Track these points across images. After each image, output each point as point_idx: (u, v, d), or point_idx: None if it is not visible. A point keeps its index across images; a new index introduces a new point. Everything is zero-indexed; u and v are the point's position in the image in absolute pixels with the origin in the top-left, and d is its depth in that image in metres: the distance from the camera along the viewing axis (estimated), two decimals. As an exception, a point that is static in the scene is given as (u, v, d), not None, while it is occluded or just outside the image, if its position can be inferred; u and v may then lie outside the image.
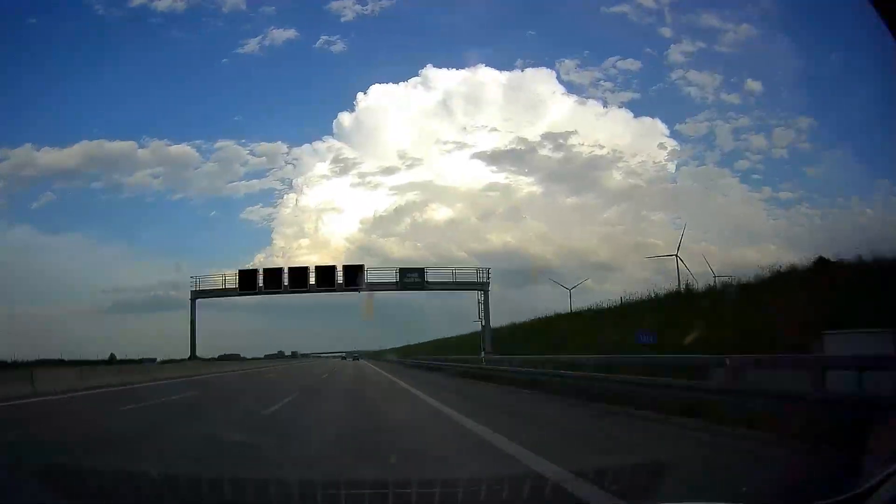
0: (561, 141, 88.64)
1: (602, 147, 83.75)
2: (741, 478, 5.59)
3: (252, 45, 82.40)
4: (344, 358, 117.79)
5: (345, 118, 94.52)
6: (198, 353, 48.78)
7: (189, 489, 4.92)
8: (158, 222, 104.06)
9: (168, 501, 4.74)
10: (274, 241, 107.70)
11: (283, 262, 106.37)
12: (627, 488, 4.82)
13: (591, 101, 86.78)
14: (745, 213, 72.25)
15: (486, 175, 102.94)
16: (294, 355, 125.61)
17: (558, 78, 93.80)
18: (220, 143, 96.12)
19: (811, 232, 64.66)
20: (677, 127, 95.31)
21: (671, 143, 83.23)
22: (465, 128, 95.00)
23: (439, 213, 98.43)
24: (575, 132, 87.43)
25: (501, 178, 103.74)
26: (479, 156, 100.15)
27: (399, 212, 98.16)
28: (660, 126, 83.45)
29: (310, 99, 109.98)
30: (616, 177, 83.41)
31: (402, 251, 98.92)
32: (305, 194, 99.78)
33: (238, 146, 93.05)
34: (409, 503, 4.52)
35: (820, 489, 3.16)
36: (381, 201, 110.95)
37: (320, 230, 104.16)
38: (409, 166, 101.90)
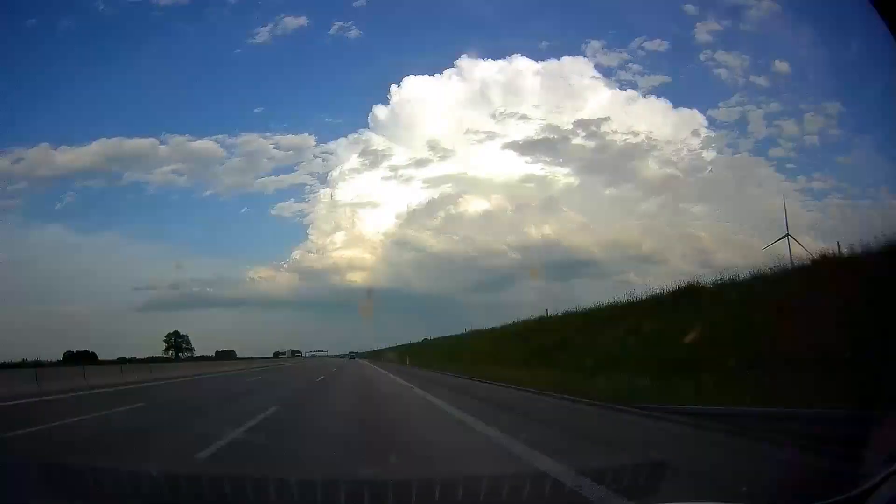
0: (594, 129, 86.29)
1: (636, 134, 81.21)
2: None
3: (264, 34, 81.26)
4: (352, 357, 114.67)
5: (380, 111, 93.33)
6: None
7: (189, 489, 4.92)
8: (187, 219, 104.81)
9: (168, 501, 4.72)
10: (310, 237, 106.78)
11: (319, 259, 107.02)
12: (626, 487, 4.83)
13: (622, 87, 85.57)
14: (780, 205, 71.05)
15: (521, 166, 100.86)
16: (294, 354, 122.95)
17: (595, 66, 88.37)
18: (243, 137, 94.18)
19: (843, 223, 63.93)
20: (710, 112, 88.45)
21: (704, 130, 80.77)
22: (494, 115, 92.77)
23: (474, 205, 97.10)
24: (608, 119, 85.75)
25: (537, 168, 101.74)
26: (511, 146, 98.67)
27: (433, 205, 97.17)
28: (692, 112, 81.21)
29: (337, 90, 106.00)
30: (652, 166, 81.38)
31: (438, 244, 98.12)
32: (339, 188, 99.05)
33: (262, 139, 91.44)
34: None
35: (820, 489, 3.16)
36: (416, 194, 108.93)
37: (356, 225, 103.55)
38: (442, 158, 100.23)
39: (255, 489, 4.80)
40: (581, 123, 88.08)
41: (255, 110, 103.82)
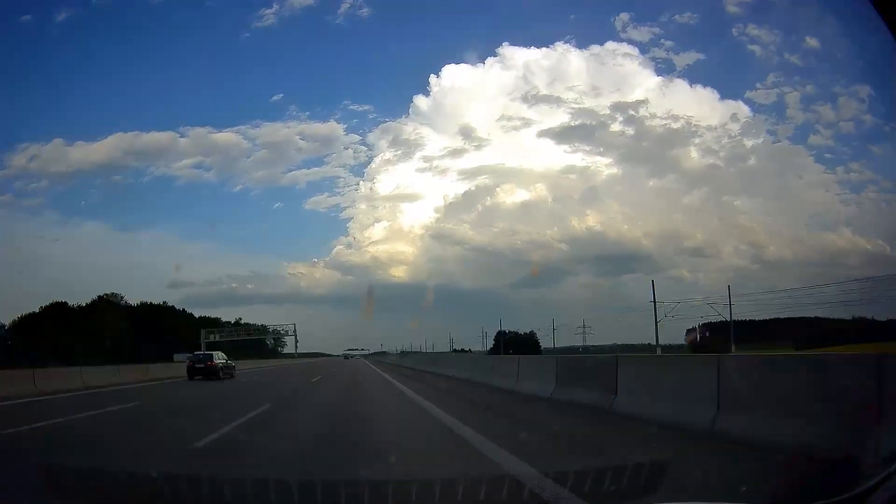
0: (632, 112, 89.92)
1: (676, 118, 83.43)
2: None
3: (269, 16, 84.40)
4: (346, 357, 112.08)
5: (421, 101, 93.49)
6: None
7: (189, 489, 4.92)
8: (219, 215, 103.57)
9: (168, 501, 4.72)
10: (350, 231, 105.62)
11: (358, 254, 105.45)
12: (627, 487, 4.83)
13: (656, 67, 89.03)
14: (821, 197, 69.81)
15: (561, 156, 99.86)
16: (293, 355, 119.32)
17: (641, 51, 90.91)
18: (265, 128, 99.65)
19: (880, 216, 62.24)
20: (747, 94, 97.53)
21: (744, 113, 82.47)
22: (526, 98, 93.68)
23: (515, 196, 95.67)
24: (645, 101, 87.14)
25: (577, 159, 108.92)
26: (547, 133, 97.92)
27: (471, 197, 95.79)
28: (729, 93, 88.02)
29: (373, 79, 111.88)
30: (693, 155, 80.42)
31: (477, 237, 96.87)
32: (377, 181, 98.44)
33: (287, 128, 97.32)
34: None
35: (820, 489, 3.16)
36: (453, 186, 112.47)
37: (397, 218, 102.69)
38: (478, 147, 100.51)
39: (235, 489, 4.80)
40: (618, 107, 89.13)
41: (273, 98, 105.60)
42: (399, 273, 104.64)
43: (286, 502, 4.64)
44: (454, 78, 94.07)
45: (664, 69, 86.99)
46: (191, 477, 5.33)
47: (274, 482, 4.94)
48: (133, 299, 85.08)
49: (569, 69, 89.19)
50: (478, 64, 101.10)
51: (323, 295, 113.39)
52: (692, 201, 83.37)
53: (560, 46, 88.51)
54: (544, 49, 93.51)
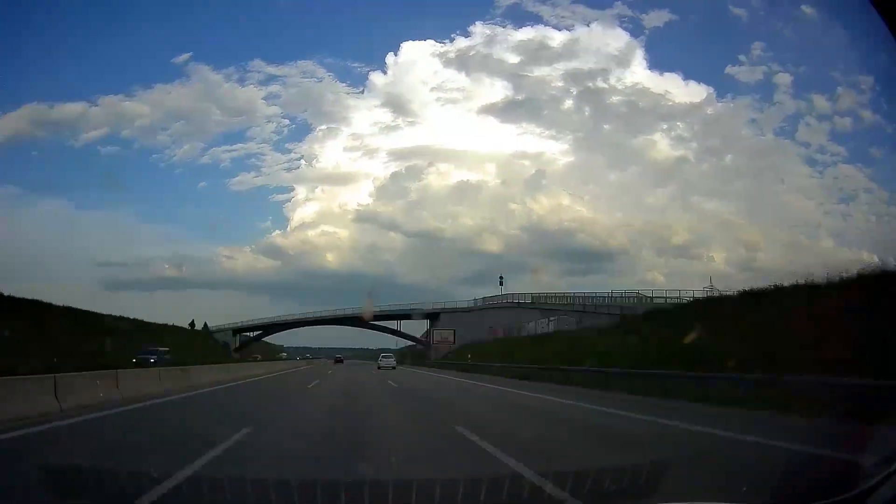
0: (589, 84, 79.62)
1: (642, 93, 69.94)
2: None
3: None
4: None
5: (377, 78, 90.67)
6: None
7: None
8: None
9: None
10: (286, 214, 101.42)
11: (293, 241, 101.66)
12: (627, 486, 4.83)
13: (615, 29, 74.17)
14: (806, 204, 61.64)
15: (509, 139, 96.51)
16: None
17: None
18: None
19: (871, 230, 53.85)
20: (729, 70, 75.71)
21: (724, 97, 68.50)
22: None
23: (472, 185, 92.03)
24: (605, 70, 78.11)
25: (527, 142, 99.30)
26: (489, 109, 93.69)
27: (400, 178, 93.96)
28: (707, 68, 73.12)
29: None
30: (662, 144, 71.67)
31: (414, 224, 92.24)
32: (313, 165, 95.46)
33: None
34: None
35: (820, 489, 3.16)
36: (387, 167, 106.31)
37: (331, 200, 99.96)
38: (411, 123, 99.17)
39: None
40: (573, 76, 78.39)
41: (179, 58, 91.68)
42: (332, 261, 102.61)
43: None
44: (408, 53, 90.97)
45: (626, 33, 79.39)
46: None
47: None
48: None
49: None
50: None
51: (256, 282, 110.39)
52: (656, 202, 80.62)
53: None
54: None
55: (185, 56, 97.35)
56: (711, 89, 76.48)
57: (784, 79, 64.35)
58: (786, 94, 65.47)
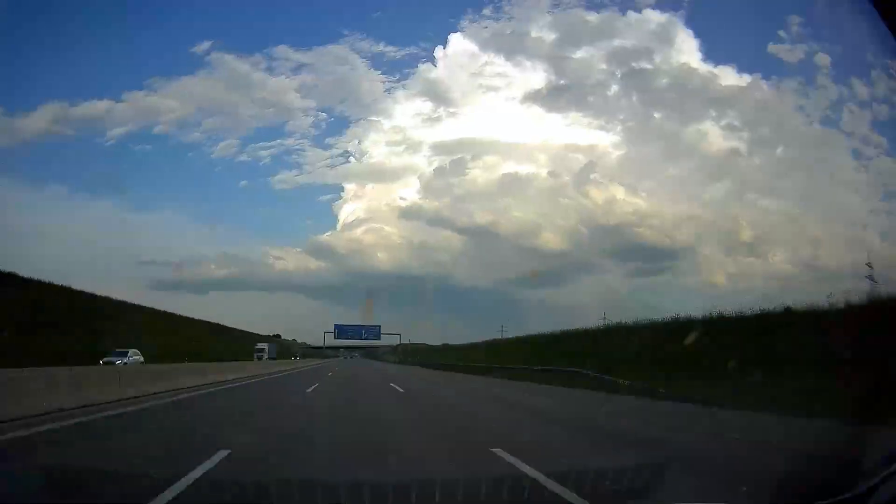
0: (633, 65, 74.02)
1: (688, 75, 64.12)
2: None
3: None
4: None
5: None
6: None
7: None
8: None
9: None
10: (336, 213, 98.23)
11: (342, 240, 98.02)
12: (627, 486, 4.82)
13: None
14: (855, 199, 52.54)
15: (556, 129, 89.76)
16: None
17: None
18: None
19: None
20: (771, 48, 65.87)
21: (770, 79, 62.90)
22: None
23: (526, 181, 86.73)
24: (648, 50, 71.59)
25: (576, 133, 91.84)
26: (533, 97, 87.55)
27: (446, 172, 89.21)
28: (751, 47, 65.66)
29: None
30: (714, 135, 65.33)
31: (462, 219, 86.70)
32: (356, 160, 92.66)
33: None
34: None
35: (820, 489, 3.16)
36: (435, 161, 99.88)
37: (377, 198, 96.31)
38: (453, 115, 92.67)
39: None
40: (617, 56, 70.72)
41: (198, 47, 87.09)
42: (383, 261, 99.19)
43: None
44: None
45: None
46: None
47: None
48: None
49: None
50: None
51: (306, 283, 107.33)
52: (713, 196, 71.77)
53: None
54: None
55: (205, 45, 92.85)
56: (758, 72, 71.20)
57: (824, 60, 56.00)
58: (826, 76, 58.07)
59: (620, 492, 4.81)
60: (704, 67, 68.65)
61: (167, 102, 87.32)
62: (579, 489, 4.73)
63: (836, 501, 2.86)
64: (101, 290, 46.15)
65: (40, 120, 77.35)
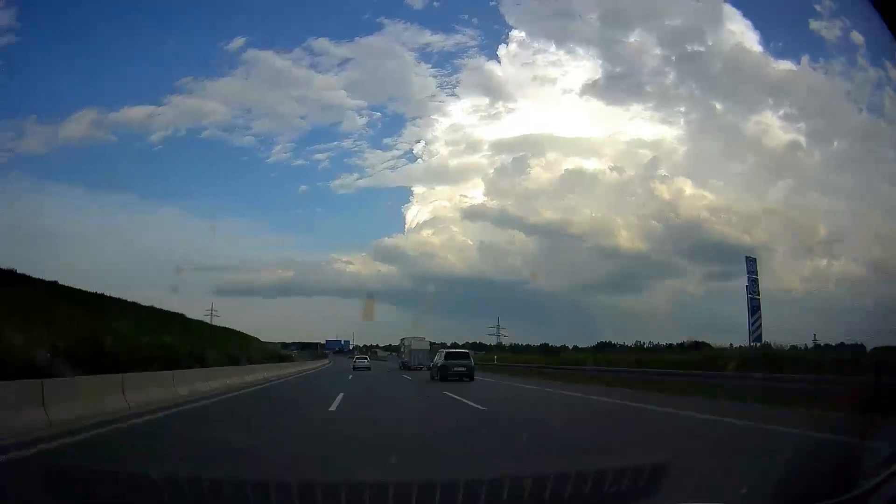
0: (686, 47, 66.70)
1: (741, 56, 57.76)
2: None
3: None
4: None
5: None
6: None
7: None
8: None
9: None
10: (405, 216, 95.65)
11: (409, 244, 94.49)
12: (627, 487, 4.82)
13: None
14: None
15: (618, 123, 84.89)
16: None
17: None
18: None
19: None
20: (813, 25, 56.88)
21: (817, 62, 56.96)
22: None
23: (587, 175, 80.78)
24: (699, 31, 65.48)
25: (638, 126, 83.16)
26: (591, 89, 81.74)
27: (509, 170, 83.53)
28: (792, 23, 57.61)
29: None
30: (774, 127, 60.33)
31: (530, 218, 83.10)
32: (418, 161, 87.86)
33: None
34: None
35: (821, 489, 3.16)
36: (492, 159, 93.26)
37: (441, 200, 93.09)
38: (511, 110, 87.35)
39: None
40: (670, 37, 63.87)
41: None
42: (454, 264, 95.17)
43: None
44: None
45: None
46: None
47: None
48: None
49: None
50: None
51: (375, 288, 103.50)
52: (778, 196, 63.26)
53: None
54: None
55: (237, 41, 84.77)
56: (805, 53, 64.24)
57: (858, 38, 51.06)
58: (864, 57, 52.02)
59: (621, 491, 4.80)
60: (756, 49, 63.50)
61: (209, 105, 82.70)
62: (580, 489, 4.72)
63: (837, 502, 2.86)
64: (166, 300, 45.68)
65: (86, 126, 75.69)
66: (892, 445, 3.97)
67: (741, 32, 62.98)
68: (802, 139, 61.71)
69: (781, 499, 4.60)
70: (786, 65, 63.33)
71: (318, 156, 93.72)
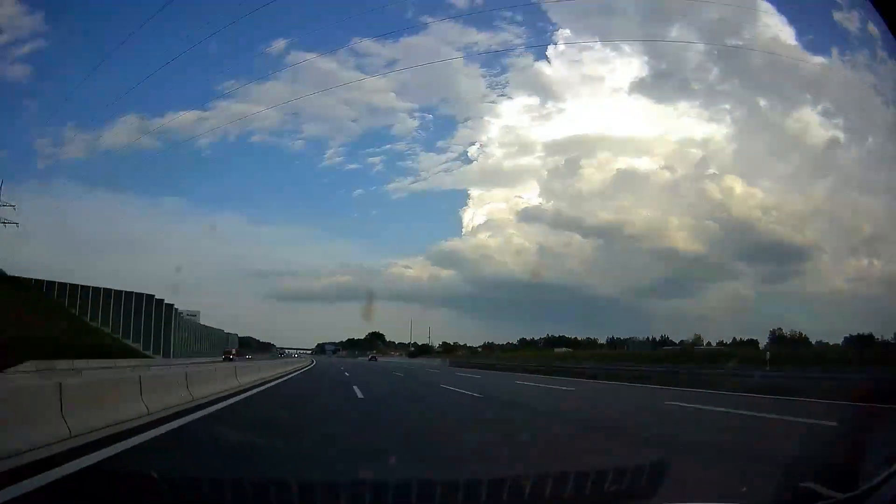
0: (727, 41, 65.53)
1: (776, 49, 56.66)
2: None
3: None
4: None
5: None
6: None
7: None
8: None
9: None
10: (462, 219, 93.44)
11: (467, 248, 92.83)
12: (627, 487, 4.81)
13: None
14: None
15: (666, 121, 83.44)
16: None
17: None
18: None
19: None
20: (836, 16, 56.16)
21: (844, 55, 55.81)
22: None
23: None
24: (736, 24, 65.75)
25: (686, 125, 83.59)
26: (638, 87, 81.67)
27: (562, 171, 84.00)
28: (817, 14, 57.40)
29: None
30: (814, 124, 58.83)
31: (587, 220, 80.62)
32: (472, 164, 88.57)
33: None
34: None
35: (821, 489, 3.15)
36: (545, 160, 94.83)
37: (497, 202, 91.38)
38: (560, 111, 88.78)
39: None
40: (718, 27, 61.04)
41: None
42: (513, 268, 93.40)
43: None
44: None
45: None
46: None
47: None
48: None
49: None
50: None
51: (433, 293, 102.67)
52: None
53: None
54: None
55: (279, 43, 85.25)
56: (834, 45, 63.38)
57: (874, 30, 49.74)
58: (883, 49, 51.16)
59: (621, 491, 4.80)
60: (791, 42, 63.28)
61: (256, 109, 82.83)
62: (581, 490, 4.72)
63: (837, 502, 2.86)
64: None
65: (131, 132, 76.84)
66: (892, 445, 3.97)
67: (775, 25, 63.07)
68: (841, 135, 60.65)
69: (781, 498, 4.60)
70: (819, 59, 63.10)
71: (372, 159, 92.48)
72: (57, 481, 5.33)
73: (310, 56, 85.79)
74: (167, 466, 5.93)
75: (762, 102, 65.87)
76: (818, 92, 60.93)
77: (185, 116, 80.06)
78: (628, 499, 4.71)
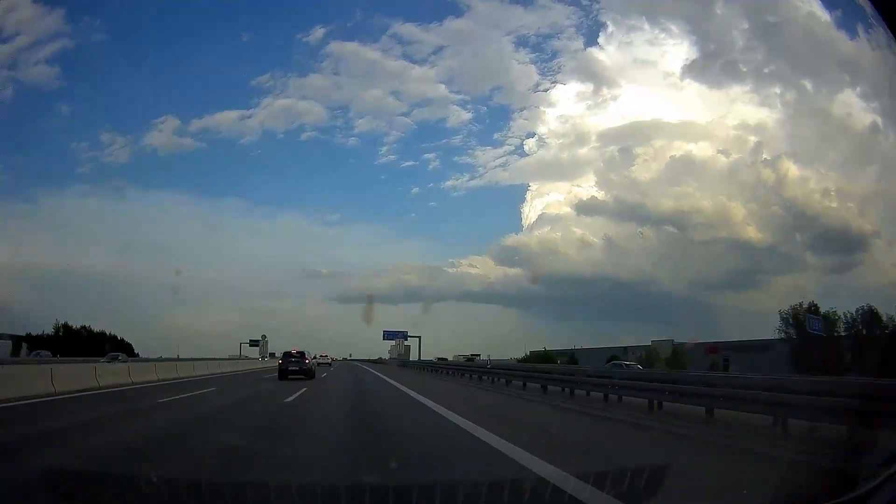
0: (768, 18, 56.81)
1: (814, 24, 49.71)
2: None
3: None
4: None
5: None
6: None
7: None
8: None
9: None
10: (522, 214, 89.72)
11: (530, 244, 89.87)
12: (628, 489, 4.80)
13: None
14: None
15: (719, 106, 78.72)
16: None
17: None
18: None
19: None
20: None
21: (868, 32, 53.99)
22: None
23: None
24: None
25: (740, 110, 77.09)
26: (690, 71, 76.53)
27: (619, 159, 79.75)
28: None
29: None
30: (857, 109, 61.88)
31: (650, 210, 79.82)
32: (530, 156, 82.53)
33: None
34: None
35: (822, 490, 3.15)
36: (601, 150, 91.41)
37: (557, 195, 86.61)
38: (614, 98, 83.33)
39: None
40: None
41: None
42: (580, 265, 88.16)
43: None
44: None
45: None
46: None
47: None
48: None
49: None
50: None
51: (500, 293, 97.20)
52: None
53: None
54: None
55: (317, 32, 76.09)
56: (859, 23, 60.24)
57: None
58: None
59: (621, 492, 4.78)
60: (825, 18, 59.19)
61: (301, 105, 74.35)
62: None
63: (839, 502, 2.85)
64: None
65: (171, 133, 72.17)
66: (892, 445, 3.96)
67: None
68: (879, 119, 57.67)
69: (783, 498, 4.59)
70: (848, 36, 59.05)
71: (428, 155, 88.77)
72: (57, 481, 5.30)
73: (350, 45, 74.24)
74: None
75: (808, 85, 62.14)
76: (856, 73, 57.65)
77: (227, 115, 74.35)
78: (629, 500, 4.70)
